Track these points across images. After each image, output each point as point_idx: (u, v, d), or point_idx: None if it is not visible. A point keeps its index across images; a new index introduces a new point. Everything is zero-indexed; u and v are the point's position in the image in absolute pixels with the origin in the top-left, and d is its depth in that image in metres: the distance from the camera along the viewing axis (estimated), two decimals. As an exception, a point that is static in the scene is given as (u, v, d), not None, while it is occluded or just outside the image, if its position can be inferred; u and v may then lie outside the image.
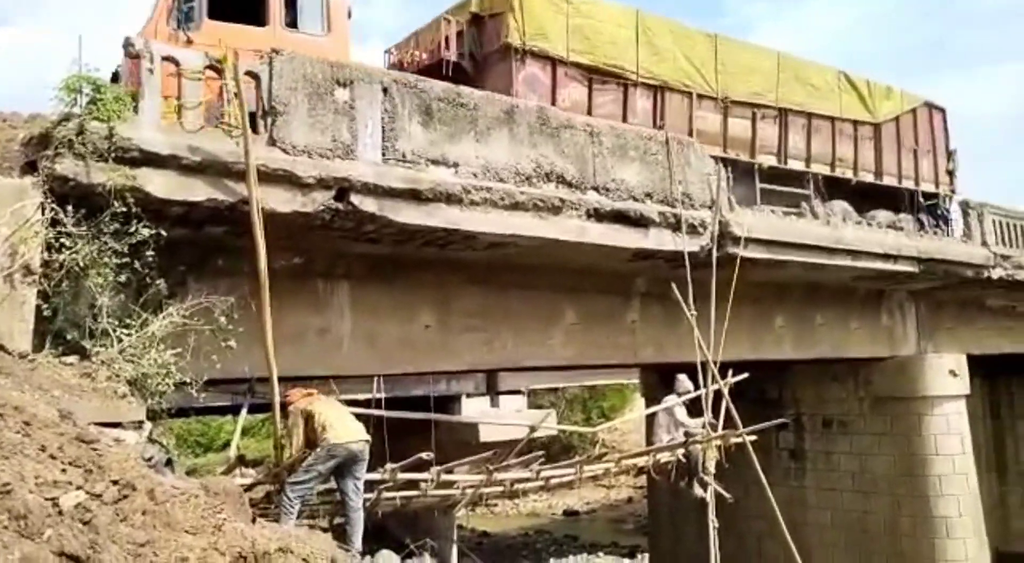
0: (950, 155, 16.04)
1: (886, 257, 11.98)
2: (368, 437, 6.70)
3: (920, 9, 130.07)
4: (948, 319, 14.99)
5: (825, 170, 13.76)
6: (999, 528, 16.84)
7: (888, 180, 14.75)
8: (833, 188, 13.85)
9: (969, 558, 13.18)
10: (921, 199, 15.16)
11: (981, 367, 16.19)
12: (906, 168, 15.00)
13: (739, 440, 10.00)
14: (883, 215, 13.78)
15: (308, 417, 6.58)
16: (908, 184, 15.05)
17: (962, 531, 13.27)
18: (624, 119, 10.97)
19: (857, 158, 14.23)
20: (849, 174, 14.13)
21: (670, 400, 10.55)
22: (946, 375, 13.76)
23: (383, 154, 7.26)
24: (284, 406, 6.68)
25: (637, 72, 11.46)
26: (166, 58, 6.31)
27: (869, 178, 14.45)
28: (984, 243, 13.61)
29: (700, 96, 12.18)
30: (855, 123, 14.28)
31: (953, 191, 15.86)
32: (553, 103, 10.15)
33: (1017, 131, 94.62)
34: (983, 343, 15.64)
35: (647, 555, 19.64)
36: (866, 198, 14.18)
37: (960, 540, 13.21)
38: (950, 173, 15.87)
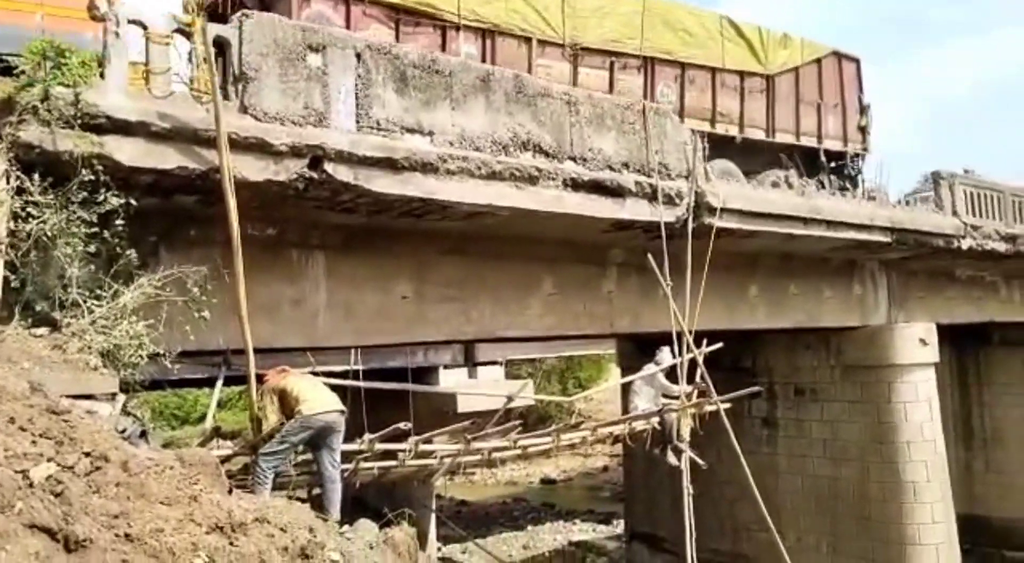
0: (863, 110, 14.72)
1: (859, 227, 12.09)
2: (343, 408, 6.67)
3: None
4: (918, 289, 15.21)
5: (704, 126, 12.47)
6: (964, 492, 17.28)
7: (783, 137, 13.56)
8: (716, 146, 12.40)
9: (936, 521, 13.52)
10: (824, 158, 14.02)
11: (950, 336, 16.48)
12: (806, 124, 13.80)
13: (713, 408, 10.12)
14: (775, 175, 12.95)
15: (281, 393, 6.52)
16: (809, 141, 13.87)
17: (929, 495, 13.59)
18: None
19: (744, 113, 13.01)
20: (734, 131, 12.99)
21: (650, 369, 10.63)
22: (916, 344, 13.98)
23: (357, 122, 7.16)
24: (260, 379, 6.63)
25: (458, 13, 10.07)
26: (132, 22, 6.14)
27: (759, 135, 13.26)
28: (955, 213, 13.77)
29: (542, 42, 10.83)
30: (742, 74, 13.02)
31: (866, 149, 14.72)
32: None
33: (990, 104, 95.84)
34: (953, 312, 15.91)
35: (622, 521, 19.96)
36: (757, 157, 13.23)
37: (927, 504, 13.54)
38: (863, 129, 14.63)
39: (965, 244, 13.80)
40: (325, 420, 6.43)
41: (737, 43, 13.07)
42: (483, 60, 10.16)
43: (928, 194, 14.92)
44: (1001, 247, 14.44)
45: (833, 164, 14.55)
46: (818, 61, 14.14)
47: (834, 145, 14.35)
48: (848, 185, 14.21)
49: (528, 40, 10.75)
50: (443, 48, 9.94)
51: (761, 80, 13.32)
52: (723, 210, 10.01)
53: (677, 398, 10.27)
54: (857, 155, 14.72)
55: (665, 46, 12.17)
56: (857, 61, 14.81)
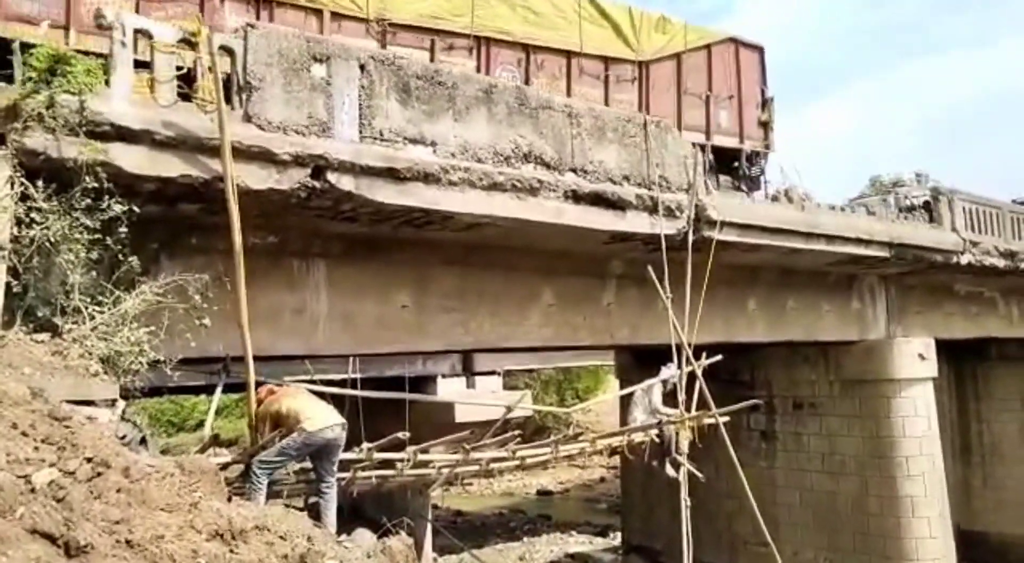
0: (765, 104, 13.33)
1: (859, 242, 12.13)
2: (344, 421, 6.63)
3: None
4: (917, 303, 15.24)
5: None
6: (962, 507, 17.29)
7: None
8: None
9: (933, 536, 13.51)
10: (711, 156, 12.56)
11: (948, 351, 16.50)
12: (691, 118, 12.43)
13: (712, 421, 10.12)
14: None
15: (276, 417, 6.46)
16: (694, 137, 12.36)
17: (927, 510, 13.59)
18: None
19: (609, 103, 11.68)
20: None
21: (650, 381, 10.62)
22: (914, 358, 14.02)
23: (360, 132, 7.20)
24: (260, 387, 6.62)
25: None
26: (138, 31, 6.18)
27: None
28: (954, 229, 13.82)
29: (339, 15, 9.49)
30: (607, 60, 11.66)
31: (768, 147, 13.39)
32: (72, 19, 7.80)
33: (990, 116, 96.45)
34: (951, 327, 15.93)
35: (619, 533, 19.89)
36: None
37: (925, 519, 13.54)
38: (764, 125, 13.27)
39: (964, 260, 13.84)
40: (327, 437, 6.39)
41: (599, 25, 11.73)
42: None
43: (873, 199, 14.63)
44: (1000, 263, 14.48)
45: (735, 163, 13.37)
46: (707, 47, 12.77)
47: (727, 141, 12.98)
48: (743, 186, 13.02)
49: (318, 12, 9.38)
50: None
51: (632, 67, 11.95)
52: (723, 223, 10.05)
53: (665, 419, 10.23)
54: (756, 153, 13.41)
55: (502, 25, 10.81)
56: (760, 49, 13.47)
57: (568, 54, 11.38)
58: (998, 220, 14.70)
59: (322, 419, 6.39)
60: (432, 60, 10.17)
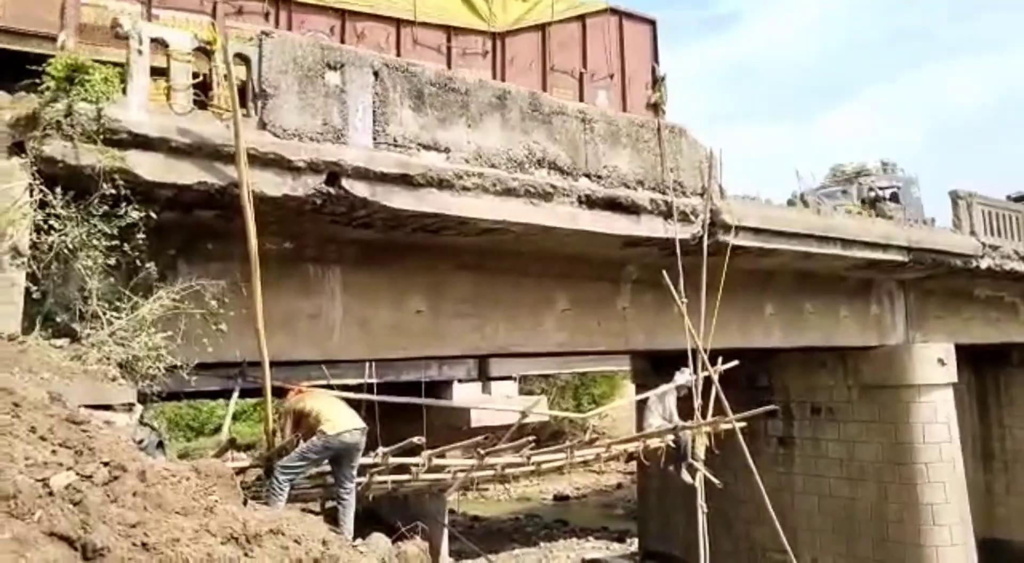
0: (655, 83, 11.93)
1: (875, 246, 12.04)
2: (364, 426, 6.68)
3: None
4: (936, 308, 15.08)
5: None
6: (984, 515, 17.03)
7: None
8: None
9: (954, 544, 13.33)
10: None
11: (968, 356, 16.30)
12: (560, 98, 10.23)
13: (728, 427, 10.06)
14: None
15: (298, 414, 6.56)
16: None
17: (947, 517, 13.41)
18: None
19: None
20: None
21: (665, 387, 10.58)
22: (934, 364, 13.86)
23: (374, 138, 7.24)
24: (277, 392, 6.67)
25: None
26: (155, 39, 6.26)
27: None
28: (973, 233, 13.68)
29: None
30: (450, 30, 10.34)
31: None
32: None
33: (997, 122, 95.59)
34: (971, 332, 15.74)
35: (636, 540, 19.80)
36: None
37: (945, 526, 13.36)
38: (655, 107, 11.80)
39: (983, 264, 13.70)
40: (347, 441, 6.45)
41: None
42: None
43: (833, 189, 14.38)
44: (1020, 267, 14.31)
45: None
46: (581, 18, 11.35)
47: None
48: None
49: None
50: None
51: (484, 39, 10.56)
52: (738, 227, 10.01)
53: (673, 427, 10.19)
54: None
55: None
56: (651, 22, 12.05)
57: (398, 22, 9.96)
58: (1018, 224, 14.53)
59: (342, 423, 6.47)
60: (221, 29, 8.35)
